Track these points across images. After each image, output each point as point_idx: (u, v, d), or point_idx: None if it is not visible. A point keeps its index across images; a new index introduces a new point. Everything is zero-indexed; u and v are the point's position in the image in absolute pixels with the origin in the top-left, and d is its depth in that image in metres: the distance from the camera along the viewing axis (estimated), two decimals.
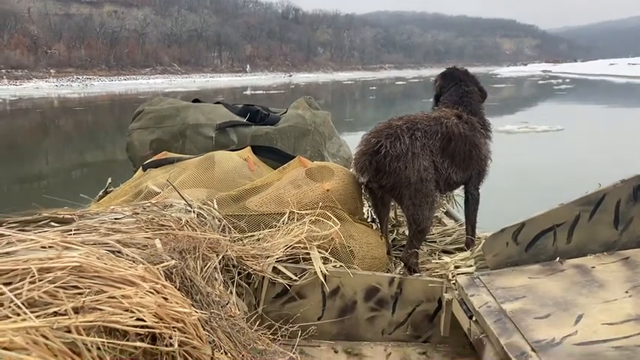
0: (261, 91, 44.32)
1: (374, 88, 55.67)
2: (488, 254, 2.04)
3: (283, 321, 2.07)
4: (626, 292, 1.71)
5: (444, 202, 3.69)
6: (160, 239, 1.70)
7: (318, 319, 2.16)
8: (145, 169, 2.78)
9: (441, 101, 2.87)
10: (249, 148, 2.87)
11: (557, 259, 2.01)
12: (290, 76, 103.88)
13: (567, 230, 2.01)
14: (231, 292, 1.94)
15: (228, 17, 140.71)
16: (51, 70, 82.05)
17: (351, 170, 2.68)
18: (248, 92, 40.88)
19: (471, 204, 2.78)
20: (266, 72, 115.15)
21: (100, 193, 3.40)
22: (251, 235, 2.25)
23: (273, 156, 2.92)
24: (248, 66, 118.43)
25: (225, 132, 3.25)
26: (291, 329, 2.03)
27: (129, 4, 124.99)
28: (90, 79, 79.98)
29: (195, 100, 3.65)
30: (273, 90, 45.83)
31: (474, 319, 1.82)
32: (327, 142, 3.49)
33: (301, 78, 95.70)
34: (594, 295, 1.72)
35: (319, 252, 2.21)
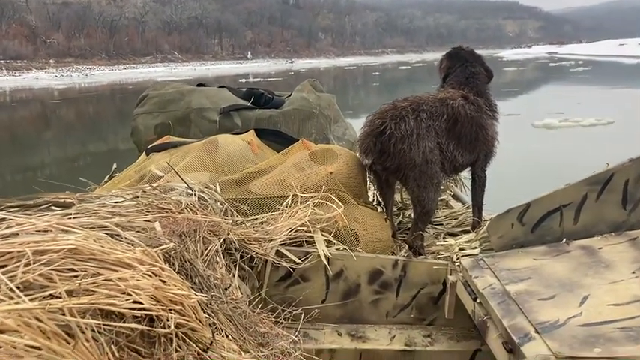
0: (260, 79, 43.12)
1: (377, 73, 54.05)
2: (493, 235, 2.01)
3: (286, 304, 2.06)
4: (633, 272, 1.68)
5: (452, 184, 3.65)
6: (160, 222, 1.69)
7: (322, 302, 2.15)
8: (148, 154, 2.78)
9: (447, 82, 2.82)
10: (252, 131, 2.85)
11: (564, 240, 1.97)
12: (292, 62, 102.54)
13: (574, 211, 1.98)
14: (233, 276, 1.93)
15: (229, 3, 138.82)
16: (50, 60, 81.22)
17: (357, 153, 2.65)
18: (244, 80, 39.78)
19: (478, 186, 2.75)
20: (267, 58, 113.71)
21: (106, 179, 3.41)
22: (254, 219, 2.24)
23: (277, 139, 2.90)
24: (249, 53, 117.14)
25: (229, 116, 3.23)
26: (294, 312, 2.02)
27: None
28: (90, 68, 79.18)
29: (200, 84, 3.64)
30: (272, 77, 44.68)
31: (477, 300, 1.79)
32: (332, 125, 3.46)
33: (303, 64, 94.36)
34: (600, 275, 1.69)
35: (323, 235, 2.20)
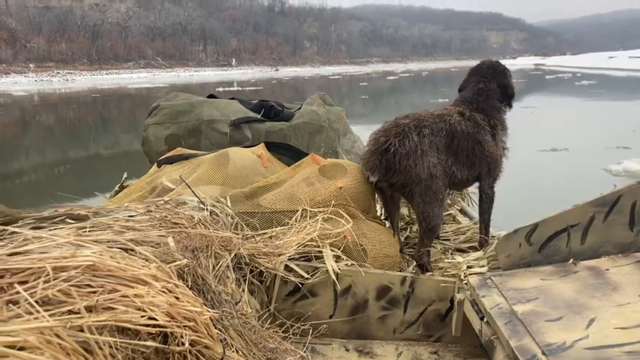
0: (240, 87, 40.95)
1: (364, 84, 49.39)
2: (501, 255, 2.03)
3: (295, 319, 2.09)
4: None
5: (459, 199, 3.67)
6: (173, 237, 1.72)
7: (330, 317, 2.17)
8: (159, 165, 2.81)
9: (457, 97, 2.85)
10: (262, 144, 2.88)
11: (571, 260, 1.99)
12: (276, 70, 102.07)
13: (581, 231, 1.99)
14: (243, 290, 1.95)
15: (214, 10, 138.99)
16: (30, 65, 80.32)
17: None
18: (222, 89, 37.11)
19: (484, 203, 2.76)
20: (252, 66, 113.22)
21: (117, 188, 3.45)
22: (263, 233, 2.26)
23: (287, 152, 2.93)
24: (234, 60, 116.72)
25: (240, 128, 3.26)
26: (302, 327, 2.05)
27: None
28: (71, 73, 78.44)
29: (210, 96, 3.67)
30: (252, 86, 42.29)
31: (485, 320, 1.81)
32: (341, 139, 3.48)
33: (288, 72, 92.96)
34: (607, 298, 1.71)
35: (331, 250, 2.22)
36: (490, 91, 2.78)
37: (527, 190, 7.27)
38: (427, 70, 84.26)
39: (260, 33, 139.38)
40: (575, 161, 10.47)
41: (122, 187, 3.47)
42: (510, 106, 2.90)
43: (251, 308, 1.94)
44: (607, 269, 1.90)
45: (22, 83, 60.88)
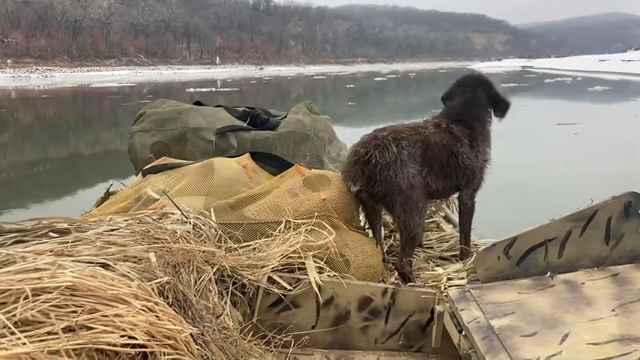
0: (206, 89, 37.24)
1: (351, 86, 45.84)
2: (480, 268, 2.06)
3: (277, 330, 2.11)
4: (613, 310, 1.73)
5: (444, 206, 3.71)
6: (155, 252, 1.73)
7: (312, 328, 2.19)
8: (144, 175, 2.81)
9: (444, 108, 2.88)
10: (248, 154, 2.90)
11: (549, 273, 2.03)
12: (261, 69, 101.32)
13: (559, 245, 2.03)
14: (225, 303, 1.97)
15: (198, 8, 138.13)
16: (7, 60, 78.72)
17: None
18: (204, 89, 35.27)
19: (464, 213, 2.80)
20: (236, 64, 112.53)
21: (102, 195, 3.44)
22: (247, 245, 2.28)
23: (273, 162, 2.95)
24: (217, 58, 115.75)
25: (226, 136, 3.28)
26: (284, 339, 2.07)
27: None
28: (50, 70, 76.94)
29: (197, 103, 3.68)
30: (226, 87, 40.25)
31: (463, 333, 1.84)
32: (326, 147, 3.51)
33: (272, 71, 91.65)
34: (581, 312, 1.74)
35: (314, 261, 2.24)
36: (477, 100, 2.80)
37: None
38: (413, 72, 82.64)
39: (245, 31, 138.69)
40: None
41: (108, 194, 3.47)
42: (503, 115, 2.89)
43: (233, 321, 1.95)
44: (583, 283, 1.94)
45: None
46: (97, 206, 3.29)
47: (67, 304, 1.28)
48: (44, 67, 79.32)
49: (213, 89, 38.26)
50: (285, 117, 3.47)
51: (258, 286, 2.12)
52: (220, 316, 1.83)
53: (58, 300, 1.26)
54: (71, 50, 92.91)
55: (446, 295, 2.11)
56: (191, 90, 33.63)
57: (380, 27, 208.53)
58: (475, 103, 2.80)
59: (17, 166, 11.83)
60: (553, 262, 2.04)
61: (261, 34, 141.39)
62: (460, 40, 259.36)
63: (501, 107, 2.85)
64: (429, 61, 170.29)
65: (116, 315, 1.30)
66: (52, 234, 1.88)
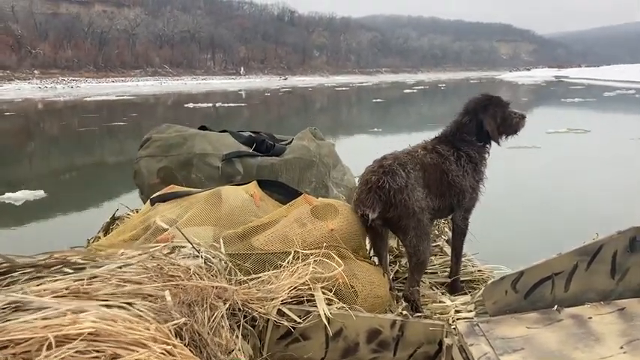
0: (205, 104, 34.60)
1: (378, 100, 39.50)
2: (488, 301, 2.09)
3: None
4: (621, 347, 1.76)
5: (447, 229, 3.74)
6: (170, 290, 1.75)
7: None
8: (152, 203, 2.84)
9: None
10: (255, 182, 2.92)
11: (556, 307, 2.06)
12: (285, 79, 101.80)
13: (565, 279, 2.06)
14: (237, 337, 1.99)
15: (222, 19, 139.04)
16: (35, 71, 79.44)
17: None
18: (191, 105, 32.70)
19: (456, 234, 2.86)
20: (260, 75, 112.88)
21: (108, 220, 3.47)
22: (257, 277, 2.30)
23: (280, 190, 2.98)
24: (242, 68, 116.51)
25: (232, 162, 3.31)
26: None
27: (120, 4, 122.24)
28: (76, 80, 77.57)
29: (202, 127, 3.71)
30: (232, 103, 37.07)
31: None
32: (331, 172, 3.54)
33: (297, 81, 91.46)
34: (590, 349, 1.77)
35: (323, 293, 2.26)
36: (461, 125, 2.84)
37: None
38: (442, 82, 78.03)
39: (269, 42, 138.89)
40: None
41: (114, 219, 3.49)
42: (494, 142, 2.90)
43: (244, 354, 1.97)
44: (590, 317, 1.97)
45: (25, 89, 59.93)
46: (104, 232, 3.32)
47: (89, 350, 1.30)
48: (70, 78, 79.83)
49: (207, 104, 35.74)
50: (290, 142, 3.50)
51: (268, 319, 2.14)
52: (232, 351, 1.85)
53: (80, 347, 1.28)
54: (97, 61, 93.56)
55: (454, 328, 2.13)
56: (191, 105, 32.80)
57: (404, 37, 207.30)
58: (459, 127, 2.83)
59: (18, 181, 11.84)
60: (560, 296, 2.07)
61: (285, 45, 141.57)
62: (486, 50, 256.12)
63: (486, 133, 2.84)
64: (454, 71, 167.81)
65: None
66: (66, 269, 1.90)
